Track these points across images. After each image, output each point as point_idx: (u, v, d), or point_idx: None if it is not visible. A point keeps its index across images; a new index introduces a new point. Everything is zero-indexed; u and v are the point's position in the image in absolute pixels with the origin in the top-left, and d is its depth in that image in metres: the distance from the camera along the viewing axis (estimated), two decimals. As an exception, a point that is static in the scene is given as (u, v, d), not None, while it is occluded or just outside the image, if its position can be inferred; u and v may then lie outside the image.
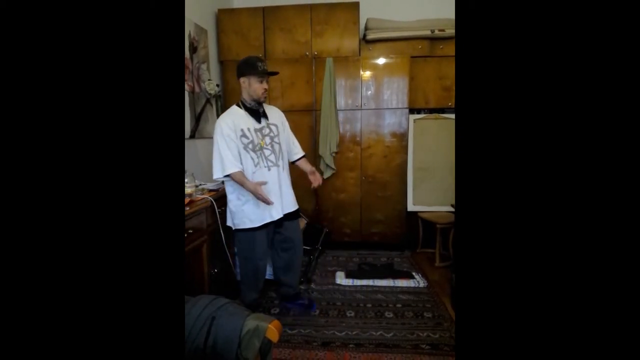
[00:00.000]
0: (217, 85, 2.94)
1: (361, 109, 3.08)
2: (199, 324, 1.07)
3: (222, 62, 3.16)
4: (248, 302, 2.02)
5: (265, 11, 3.04)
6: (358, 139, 3.12)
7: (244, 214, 1.88)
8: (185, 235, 1.67)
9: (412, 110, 3.14)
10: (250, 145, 1.84)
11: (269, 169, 1.88)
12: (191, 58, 2.62)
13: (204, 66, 2.83)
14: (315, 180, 2.00)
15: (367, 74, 3.04)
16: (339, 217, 3.19)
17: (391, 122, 3.07)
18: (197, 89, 2.71)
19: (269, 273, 2.44)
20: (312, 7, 3.01)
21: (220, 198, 2.05)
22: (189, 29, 2.59)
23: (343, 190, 3.17)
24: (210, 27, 3.01)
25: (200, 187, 2.02)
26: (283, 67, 3.05)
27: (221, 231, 2.04)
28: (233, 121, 1.83)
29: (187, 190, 1.85)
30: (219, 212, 1.97)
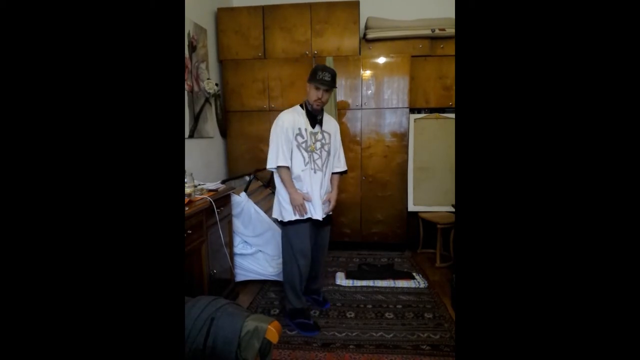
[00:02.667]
0: (217, 85, 2.94)
1: (361, 109, 3.08)
2: (198, 324, 1.07)
3: (221, 62, 3.16)
4: (294, 309, 2.02)
5: (265, 10, 3.04)
6: (358, 138, 3.11)
7: (290, 206, 1.93)
8: (185, 235, 1.67)
9: (413, 110, 3.14)
10: (303, 145, 1.92)
11: (315, 172, 1.96)
12: (190, 57, 2.62)
13: (203, 65, 2.82)
14: (328, 208, 2.04)
15: (367, 74, 3.03)
16: (339, 217, 3.18)
17: (391, 121, 3.07)
18: (196, 89, 2.70)
19: (271, 274, 2.44)
20: (311, 6, 3.00)
21: (220, 198, 2.04)
22: (188, 28, 2.58)
23: (343, 190, 3.16)
24: (209, 26, 3.00)
25: (199, 187, 2.02)
26: (283, 66, 3.05)
27: (220, 231, 2.04)
28: (294, 118, 1.92)
29: (186, 191, 1.84)
30: (218, 212, 1.96)
